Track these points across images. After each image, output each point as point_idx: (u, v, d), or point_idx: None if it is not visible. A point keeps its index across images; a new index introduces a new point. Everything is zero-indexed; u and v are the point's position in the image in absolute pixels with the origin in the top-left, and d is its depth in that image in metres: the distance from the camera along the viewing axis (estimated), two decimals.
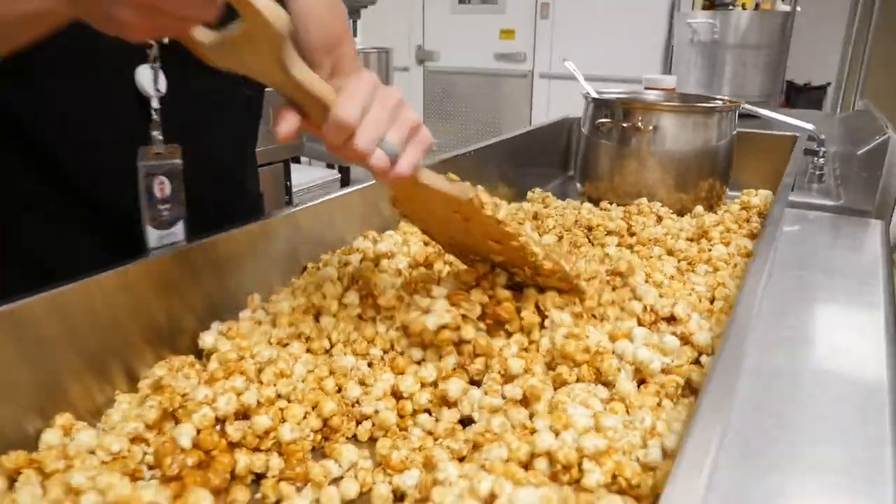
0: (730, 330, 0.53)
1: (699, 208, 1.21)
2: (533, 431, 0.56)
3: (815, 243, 1.05)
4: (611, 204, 1.24)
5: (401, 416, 0.63)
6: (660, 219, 1.13)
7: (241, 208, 0.96)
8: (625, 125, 1.24)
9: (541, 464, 0.50)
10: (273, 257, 0.84)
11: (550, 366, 0.66)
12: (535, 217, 1.11)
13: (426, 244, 0.84)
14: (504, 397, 0.63)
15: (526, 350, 0.67)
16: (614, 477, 0.48)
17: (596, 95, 1.31)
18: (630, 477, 0.47)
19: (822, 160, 1.41)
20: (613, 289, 0.78)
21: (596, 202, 1.27)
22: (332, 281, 0.76)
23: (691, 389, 0.63)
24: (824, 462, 0.52)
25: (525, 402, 0.62)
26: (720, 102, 1.27)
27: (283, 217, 0.85)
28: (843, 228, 1.16)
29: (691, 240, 1.02)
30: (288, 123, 0.55)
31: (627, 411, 0.59)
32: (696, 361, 0.67)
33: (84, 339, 0.61)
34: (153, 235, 0.79)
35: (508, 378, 0.64)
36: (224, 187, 0.94)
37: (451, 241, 0.73)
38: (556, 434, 0.52)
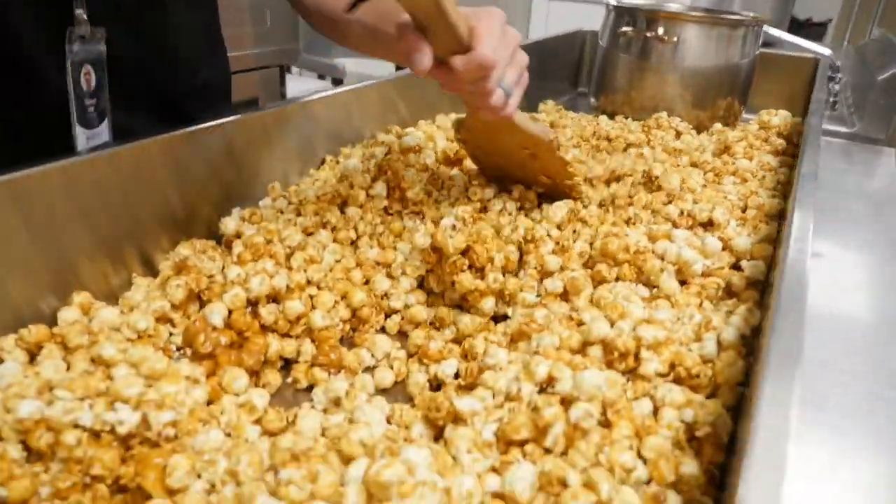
0: (786, 267, 0.49)
1: (717, 125, 1.17)
2: (580, 324, 0.53)
3: (827, 169, 1.04)
4: (626, 118, 1.20)
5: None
6: (678, 134, 1.09)
7: (203, 102, 0.82)
8: (647, 35, 1.18)
9: (595, 352, 0.48)
10: (289, 148, 0.79)
11: (587, 265, 0.63)
12: (551, 126, 1.07)
13: (451, 141, 0.79)
14: (539, 295, 0.60)
15: (562, 248, 0.64)
16: (672, 367, 0.46)
17: (617, 3, 1.25)
18: (690, 367, 0.45)
19: (836, 87, 1.37)
20: (650, 191, 0.75)
21: (611, 117, 1.22)
22: (358, 171, 0.72)
23: (730, 293, 0.62)
24: None
25: (566, 296, 0.59)
26: (747, 17, 1.22)
27: (298, 105, 0.80)
28: (856, 155, 1.14)
29: (714, 155, 0.99)
30: (426, 58, 0.51)
31: (672, 309, 0.57)
32: (735, 267, 0.65)
33: (96, 219, 0.57)
34: (81, 136, 0.66)
35: (545, 274, 0.61)
36: (179, 78, 0.79)
37: (495, 169, 0.75)
38: (612, 324, 0.50)
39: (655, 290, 0.60)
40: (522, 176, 0.72)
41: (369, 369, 0.55)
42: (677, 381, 0.46)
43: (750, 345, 0.48)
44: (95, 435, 0.39)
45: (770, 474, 0.26)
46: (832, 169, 1.05)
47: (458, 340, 0.58)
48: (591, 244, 0.64)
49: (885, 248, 0.80)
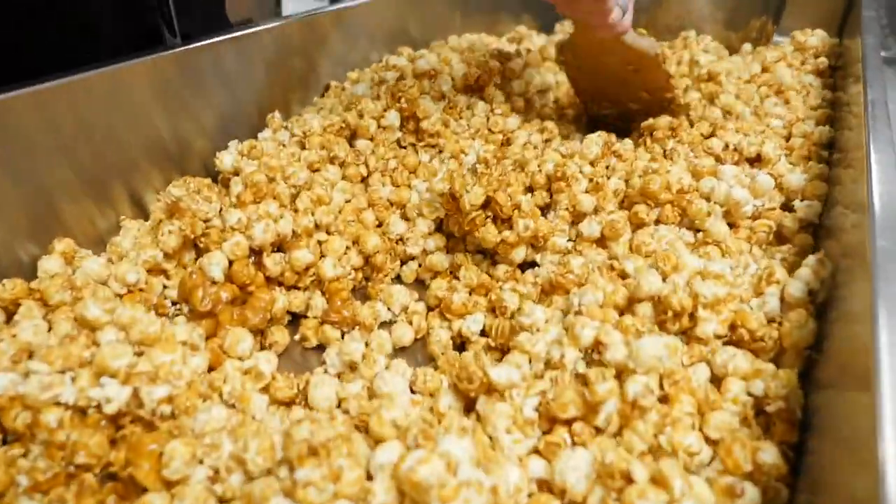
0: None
1: (747, 46, 1.08)
2: (622, 275, 0.48)
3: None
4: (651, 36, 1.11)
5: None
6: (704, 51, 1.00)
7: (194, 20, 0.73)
8: None
9: (644, 310, 0.42)
10: (289, 73, 0.71)
11: (623, 205, 0.57)
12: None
13: (469, 64, 0.71)
14: (572, 240, 0.54)
15: (596, 186, 0.57)
16: (732, 328, 0.41)
17: None
18: (755, 329, 0.40)
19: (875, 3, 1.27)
20: (692, 124, 0.68)
21: None
22: (368, 98, 0.64)
23: (781, 238, 0.56)
24: None
25: (601, 241, 0.54)
26: None
27: (297, 22, 0.71)
28: (892, 80, 1.06)
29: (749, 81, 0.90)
30: None
31: (724, 257, 0.51)
32: (786, 207, 0.59)
33: (77, 153, 0.51)
34: None
35: (578, 216, 0.55)
36: None
37: (592, 90, 0.75)
38: (664, 277, 0.44)
39: (701, 234, 0.54)
40: (623, 93, 0.72)
41: (386, 324, 0.50)
42: (737, 343, 0.41)
43: (816, 301, 0.43)
44: (81, 412, 0.34)
45: None
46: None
47: (482, 290, 0.52)
48: (626, 181, 0.57)
49: None
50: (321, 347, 0.47)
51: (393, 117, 0.62)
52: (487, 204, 0.52)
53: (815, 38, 1.02)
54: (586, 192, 0.56)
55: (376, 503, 0.28)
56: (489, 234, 0.51)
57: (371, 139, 0.62)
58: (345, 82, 0.75)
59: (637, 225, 0.55)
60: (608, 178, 0.57)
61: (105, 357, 0.34)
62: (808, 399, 0.37)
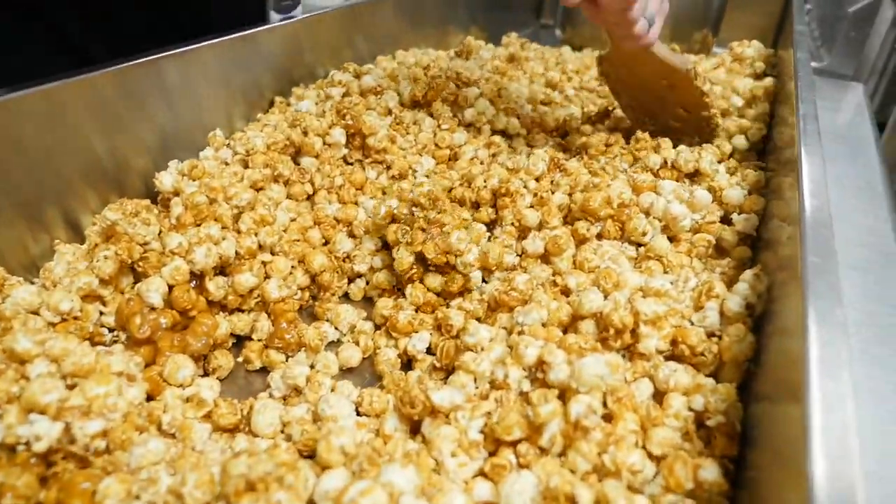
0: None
1: (692, 57, 1.11)
2: (565, 291, 0.48)
3: None
4: (594, 51, 1.13)
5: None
6: None
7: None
8: None
9: (587, 327, 0.43)
10: (231, 88, 0.70)
11: (567, 221, 0.58)
12: (512, 59, 0.98)
13: (416, 80, 0.72)
14: (519, 255, 0.55)
15: (540, 201, 0.58)
16: (674, 343, 0.42)
17: None
18: (695, 344, 0.41)
19: (805, 18, 1.33)
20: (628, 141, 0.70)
21: (579, 49, 1.15)
22: (313, 115, 0.64)
23: (721, 251, 0.57)
24: None
25: (545, 256, 0.54)
26: None
27: (238, 38, 0.70)
28: (825, 91, 1.11)
29: None
30: None
31: (665, 272, 0.52)
32: (724, 220, 0.60)
33: (9, 175, 0.49)
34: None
35: (524, 231, 0.56)
36: None
37: (634, 105, 0.75)
38: (605, 294, 0.45)
39: (642, 248, 0.55)
40: (660, 109, 0.72)
41: (334, 344, 0.50)
42: (678, 358, 0.42)
43: (755, 314, 0.44)
44: (9, 450, 0.32)
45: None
46: None
47: (428, 307, 0.52)
48: (570, 196, 0.58)
49: (863, 190, 0.78)
50: (266, 370, 0.47)
51: (338, 134, 0.62)
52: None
53: (752, 49, 1.06)
54: (531, 207, 0.57)
55: None
56: (433, 282, 0.51)
57: (316, 156, 0.61)
58: (290, 97, 0.74)
59: (580, 241, 0.56)
60: (553, 192, 0.58)
61: (34, 392, 0.33)
62: (748, 412, 0.37)
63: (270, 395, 0.43)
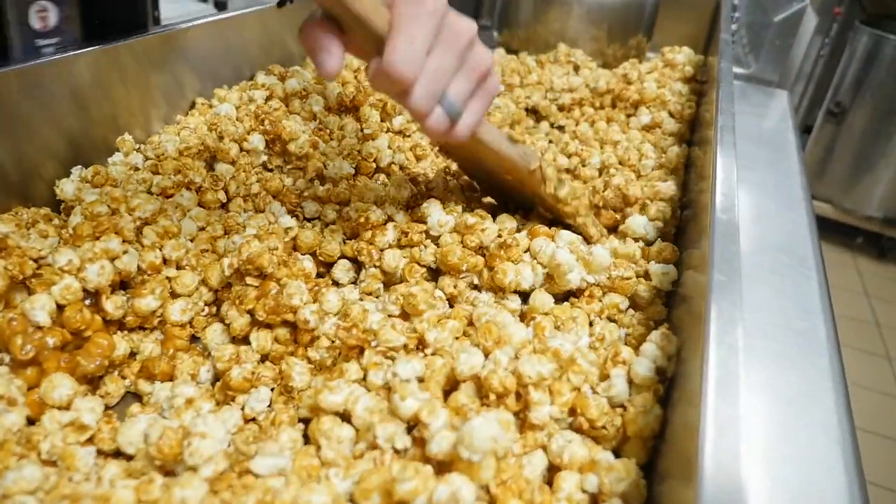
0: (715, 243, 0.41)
1: (626, 64, 1.12)
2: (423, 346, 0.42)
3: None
4: (529, 55, 1.13)
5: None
6: (577, 68, 1.03)
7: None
8: None
9: (466, 391, 0.38)
10: (150, 88, 0.68)
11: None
12: None
13: (344, 84, 0.70)
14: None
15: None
16: (573, 412, 0.38)
17: None
18: (595, 417, 0.36)
19: (733, 26, 1.36)
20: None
21: (515, 53, 1.16)
22: (231, 120, 0.62)
23: (635, 306, 0.51)
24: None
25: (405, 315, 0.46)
26: None
27: (160, 36, 0.68)
28: (752, 97, 1.14)
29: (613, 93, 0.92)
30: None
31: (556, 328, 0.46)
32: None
33: None
34: None
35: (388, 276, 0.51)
36: None
37: (475, 173, 0.62)
38: (486, 353, 0.40)
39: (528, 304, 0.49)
40: (503, 184, 0.58)
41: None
42: (578, 429, 0.38)
43: (666, 379, 0.41)
44: None
45: None
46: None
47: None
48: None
49: (784, 195, 0.81)
50: None
51: (257, 140, 0.60)
52: None
53: (682, 55, 1.08)
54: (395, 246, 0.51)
55: None
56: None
57: (232, 163, 0.59)
58: (212, 99, 0.72)
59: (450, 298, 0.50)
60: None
61: None
62: (653, 491, 0.35)
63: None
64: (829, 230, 2.24)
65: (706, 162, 0.59)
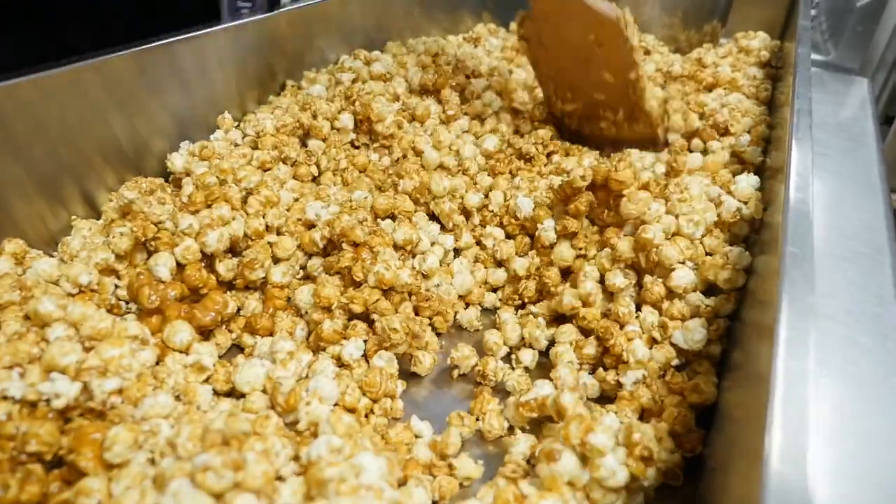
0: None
1: (699, 49, 1.11)
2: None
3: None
4: None
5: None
6: (648, 52, 1.03)
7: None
8: None
9: None
10: (245, 71, 0.73)
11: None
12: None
13: (424, 67, 0.74)
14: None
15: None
16: None
17: None
18: None
19: (813, 12, 1.32)
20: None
21: None
22: (323, 100, 0.66)
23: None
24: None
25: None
26: None
27: (252, 23, 0.73)
28: (830, 85, 1.11)
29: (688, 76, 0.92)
30: None
31: None
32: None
33: (29, 152, 0.52)
34: None
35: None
36: None
37: (555, 74, 0.69)
38: None
39: None
40: (584, 77, 0.65)
41: None
42: None
43: None
44: (30, 405, 0.36)
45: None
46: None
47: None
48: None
49: (861, 184, 0.80)
50: None
51: (346, 119, 0.64)
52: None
53: (757, 41, 1.07)
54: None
55: (280, 502, 0.30)
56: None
57: (324, 140, 0.64)
58: (301, 81, 0.77)
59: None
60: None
61: (54, 354, 0.36)
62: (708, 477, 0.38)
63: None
64: None
65: (781, 147, 0.60)
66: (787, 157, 0.52)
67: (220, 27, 0.69)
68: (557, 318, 0.51)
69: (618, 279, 0.48)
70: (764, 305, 0.39)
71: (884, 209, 0.76)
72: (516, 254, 0.56)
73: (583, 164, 0.57)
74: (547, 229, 0.53)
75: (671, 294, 0.48)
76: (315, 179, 0.62)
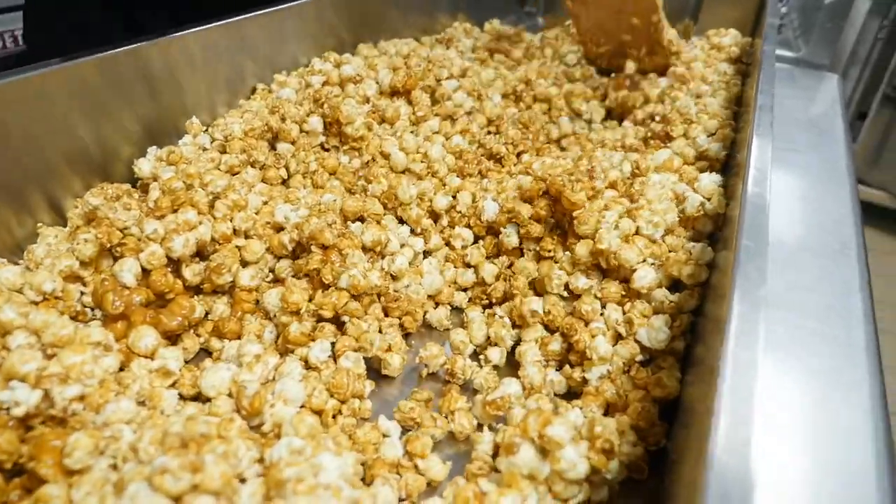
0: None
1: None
2: None
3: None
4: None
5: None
6: None
7: None
8: None
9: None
10: (215, 75, 0.73)
11: None
12: (500, 38, 1.00)
13: (395, 69, 0.74)
14: None
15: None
16: None
17: None
18: None
19: (784, 9, 1.34)
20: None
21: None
22: (292, 103, 0.66)
23: None
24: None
25: None
26: None
27: (222, 27, 0.73)
28: (800, 81, 1.13)
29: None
30: None
31: None
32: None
33: None
34: None
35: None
36: None
37: (592, 25, 0.84)
38: None
39: None
40: (617, 23, 0.80)
41: None
42: None
43: None
44: None
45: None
46: (776, 94, 1.04)
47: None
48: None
49: (829, 179, 0.81)
50: None
51: (315, 122, 0.64)
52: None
53: (729, 38, 1.08)
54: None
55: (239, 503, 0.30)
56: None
57: (293, 143, 0.64)
58: (272, 85, 0.77)
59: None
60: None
61: (14, 362, 0.36)
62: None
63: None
64: (883, 218, 2.18)
65: (743, 141, 0.61)
66: (748, 152, 0.53)
67: (188, 31, 0.68)
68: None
69: (580, 281, 0.49)
70: (720, 299, 0.40)
71: (851, 203, 0.77)
72: (486, 256, 0.56)
73: (533, 169, 0.57)
74: (510, 234, 0.54)
75: (635, 293, 0.48)
76: (285, 182, 0.62)
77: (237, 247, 0.52)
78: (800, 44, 1.26)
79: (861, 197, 0.79)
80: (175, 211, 0.50)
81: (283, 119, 0.64)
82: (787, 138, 0.89)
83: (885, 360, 0.52)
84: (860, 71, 1.88)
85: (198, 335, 0.49)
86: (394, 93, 0.74)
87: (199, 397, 0.42)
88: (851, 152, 0.90)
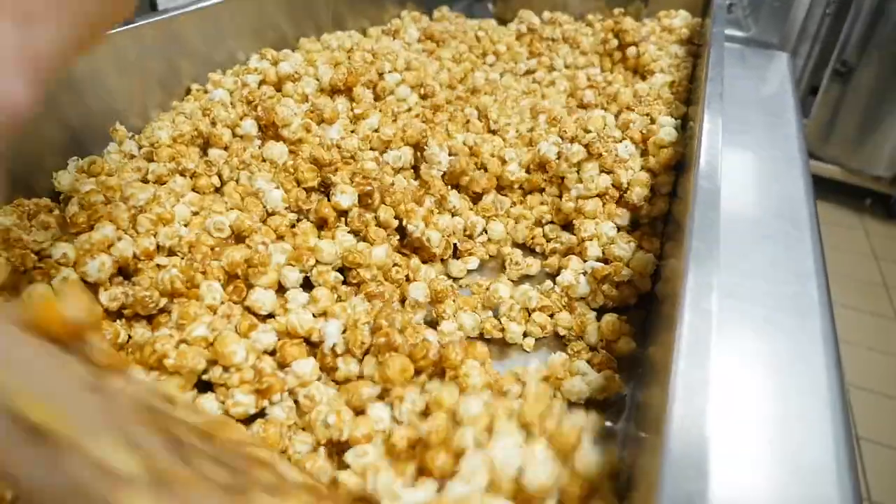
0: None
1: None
2: None
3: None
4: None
5: None
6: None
7: None
8: None
9: None
10: (147, 76, 0.69)
11: None
12: (431, 37, 0.96)
13: (336, 65, 0.71)
14: None
15: None
16: None
17: None
18: None
19: None
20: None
21: (504, 24, 1.14)
22: (224, 105, 0.63)
23: None
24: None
25: None
26: None
27: (154, 24, 0.69)
28: (751, 60, 1.13)
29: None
30: None
31: None
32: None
33: None
34: None
35: None
36: None
37: None
38: None
39: None
40: None
41: None
42: None
43: None
44: None
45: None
46: (727, 75, 1.04)
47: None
48: None
49: (781, 159, 0.81)
50: None
51: (249, 125, 0.61)
52: None
53: (679, 19, 1.07)
54: None
55: None
56: None
57: (225, 148, 0.60)
58: (207, 84, 0.73)
59: None
60: None
61: None
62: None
63: None
64: (836, 192, 2.22)
65: (693, 127, 0.59)
66: (697, 142, 0.52)
67: (117, 29, 0.64)
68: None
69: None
70: (672, 298, 0.39)
71: (803, 181, 0.76)
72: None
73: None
74: None
75: None
76: (218, 191, 0.59)
77: (157, 265, 0.48)
78: (749, 23, 1.26)
79: (814, 171, 0.79)
80: (92, 227, 0.47)
81: (213, 123, 0.61)
82: (738, 119, 0.89)
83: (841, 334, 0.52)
84: (810, 47, 1.90)
85: None
86: (334, 90, 0.70)
87: None
88: (803, 131, 0.90)
